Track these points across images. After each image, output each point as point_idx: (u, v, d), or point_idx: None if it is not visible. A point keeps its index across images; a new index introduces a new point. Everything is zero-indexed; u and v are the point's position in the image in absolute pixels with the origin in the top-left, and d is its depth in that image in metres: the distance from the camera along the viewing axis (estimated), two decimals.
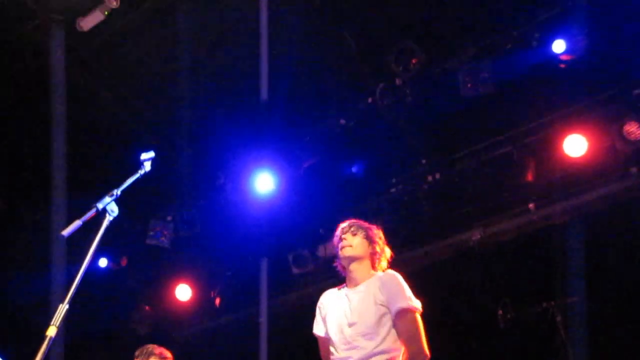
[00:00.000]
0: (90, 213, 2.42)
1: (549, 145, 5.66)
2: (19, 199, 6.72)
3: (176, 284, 7.09)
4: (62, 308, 2.19)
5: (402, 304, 3.28)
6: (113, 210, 2.47)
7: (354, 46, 5.23)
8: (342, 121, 5.77)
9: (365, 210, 6.38)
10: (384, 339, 3.26)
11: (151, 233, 6.46)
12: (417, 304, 3.33)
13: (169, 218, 6.54)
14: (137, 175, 2.66)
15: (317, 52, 5.45)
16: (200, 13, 5.20)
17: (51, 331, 2.12)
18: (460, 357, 5.87)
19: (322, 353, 3.55)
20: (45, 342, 2.10)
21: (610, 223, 5.58)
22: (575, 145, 5.48)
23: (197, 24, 5.25)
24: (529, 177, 5.80)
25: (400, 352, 3.27)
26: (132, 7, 5.17)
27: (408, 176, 6.17)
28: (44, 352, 2.07)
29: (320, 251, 6.39)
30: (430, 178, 6.05)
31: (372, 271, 3.52)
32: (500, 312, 4.59)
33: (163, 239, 6.45)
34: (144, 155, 2.72)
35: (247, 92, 5.59)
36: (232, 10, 5.20)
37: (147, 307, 7.29)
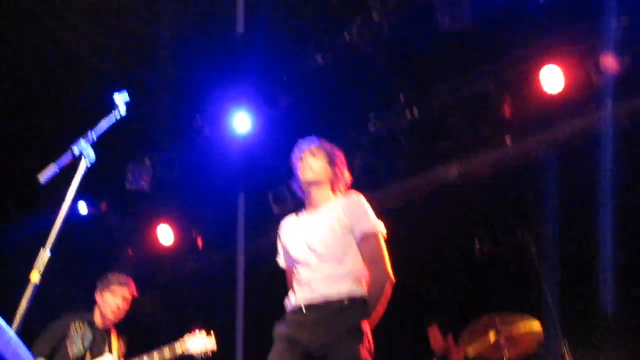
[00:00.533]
0: (67, 157, 2.38)
1: (526, 80, 5.66)
2: None
3: (157, 227, 7.10)
4: (44, 253, 2.17)
5: (367, 227, 3.21)
6: (90, 154, 2.43)
7: None
8: (319, 57, 5.67)
9: (344, 147, 6.38)
10: (350, 262, 3.16)
11: (130, 178, 6.40)
12: (381, 227, 3.25)
13: (147, 161, 6.47)
14: (112, 118, 2.60)
15: None
16: None
17: (34, 276, 2.11)
18: (438, 290, 6.04)
19: (290, 284, 3.41)
20: (30, 288, 2.09)
21: (585, 155, 5.67)
22: (552, 80, 5.50)
23: None
24: (507, 112, 5.82)
25: (365, 275, 3.19)
26: None
27: (386, 113, 6.15)
28: (30, 298, 2.06)
29: None
30: (408, 114, 6.04)
31: (332, 194, 3.40)
32: (477, 245, 4.69)
33: (143, 182, 6.41)
34: (117, 97, 2.64)
35: (223, 30, 5.45)
36: None
37: (129, 251, 7.33)
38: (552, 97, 5.57)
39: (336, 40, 5.55)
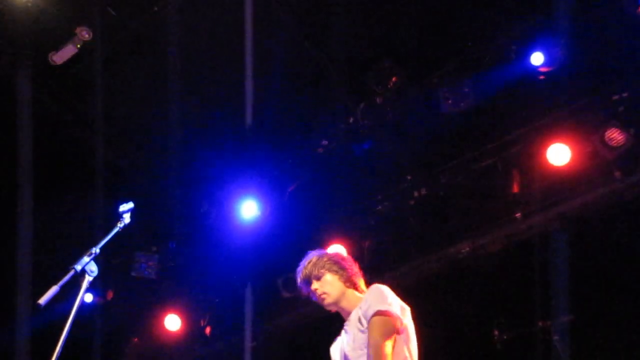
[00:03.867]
0: (69, 276, 2.33)
1: (532, 155, 5.66)
2: None
3: (165, 315, 6.96)
4: None
5: (372, 310, 2.90)
6: (92, 270, 2.38)
7: (330, 68, 5.19)
8: (324, 142, 5.72)
9: (352, 229, 6.35)
10: None
11: (136, 265, 6.35)
12: (392, 309, 2.92)
13: (154, 249, 6.43)
14: (116, 229, 2.57)
15: (297, 75, 5.39)
16: (182, 41, 5.11)
17: None
18: None
19: None
20: None
21: (596, 229, 5.58)
22: (559, 154, 5.49)
23: (179, 52, 5.16)
24: (515, 187, 5.79)
25: None
26: (107, 39, 5.09)
27: (394, 192, 6.13)
28: None
29: None
30: (416, 193, 6.01)
31: (358, 294, 3.17)
32: (496, 332, 4.51)
33: (149, 270, 6.35)
34: (122, 207, 2.63)
35: (230, 119, 5.53)
36: (215, 38, 5.13)
37: (135, 339, 7.16)
38: (559, 170, 5.55)
39: (340, 123, 5.60)
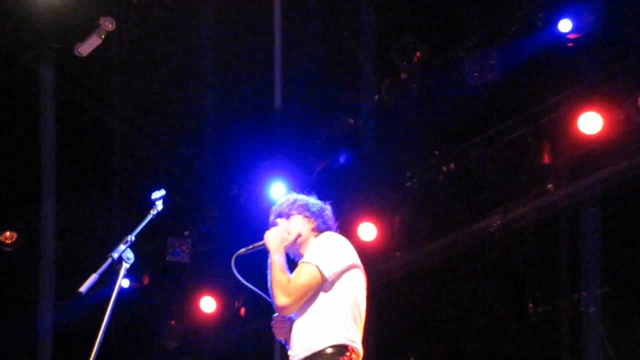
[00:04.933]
0: (107, 264, 2.38)
1: (563, 124, 5.55)
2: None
3: (200, 297, 7.09)
4: None
5: (302, 259, 2.88)
6: (129, 257, 2.43)
7: (355, 45, 5.15)
8: (351, 120, 5.70)
9: (382, 207, 6.34)
10: (314, 315, 2.82)
11: (170, 250, 6.46)
12: (321, 262, 2.81)
13: (186, 233, 6.53)
14: (149, 217, 2.62)
15: (321, 54, 5.36)
16: (209, 24, 5.11)
17: None
18: (491, 353, 5.78)
19: None
20: None
21: (630, 198, 5.47)
22: (590, 123, 5.37)
23: (207, 37, 5.17)
24: (545, 158, 5.69)
25: (339, 327, 2.80)
26: (131, 26, 5.12)
27: (422, 168, 6.09)
28: None
29: None
30: (445, 168, 5.96)
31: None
32: (530, 305, 4.48)
33: (183, 254, 6.46)
34: (154, 195, 2.67)
35: (259, 101, 5.54)
36: (243, 21, 5.12)
37: (172, 322, 7.31)
38: (592, 139, 5.43)
39: (365, 101, 5.57)
